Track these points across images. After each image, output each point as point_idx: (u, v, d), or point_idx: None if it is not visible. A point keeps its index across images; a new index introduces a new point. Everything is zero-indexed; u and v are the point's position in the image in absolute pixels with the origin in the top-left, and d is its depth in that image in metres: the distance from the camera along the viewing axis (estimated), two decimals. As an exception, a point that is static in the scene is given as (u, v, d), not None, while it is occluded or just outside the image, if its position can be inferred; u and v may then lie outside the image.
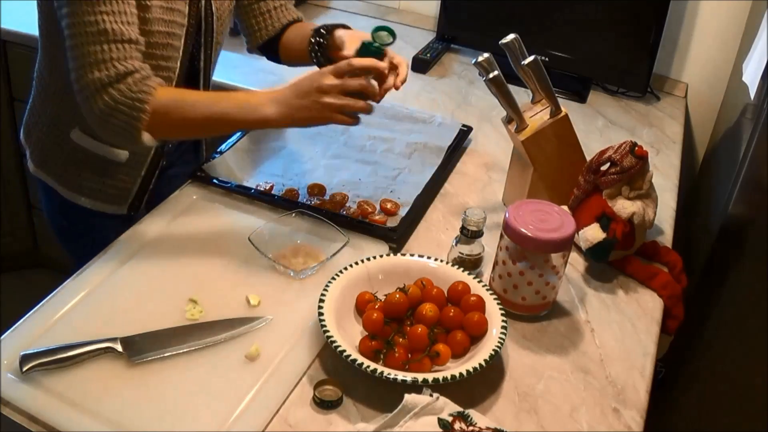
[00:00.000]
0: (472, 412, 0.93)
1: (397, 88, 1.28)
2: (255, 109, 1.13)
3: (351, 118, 1.13)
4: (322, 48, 1.35)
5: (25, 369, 0.94)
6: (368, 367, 0.96)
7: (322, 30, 1.36)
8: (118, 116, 1.09)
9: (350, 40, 1.30)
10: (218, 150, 1.43)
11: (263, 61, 1.62)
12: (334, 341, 0.99)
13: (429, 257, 1.17)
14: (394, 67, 1.28)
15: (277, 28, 1.43)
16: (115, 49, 1.08)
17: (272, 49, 1.46)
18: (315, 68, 1.28)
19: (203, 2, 1.27)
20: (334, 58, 1.30)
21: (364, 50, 1.17)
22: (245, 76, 1.83)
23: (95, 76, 1.07)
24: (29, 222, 2.37)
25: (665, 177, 1.62)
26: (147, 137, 1.12)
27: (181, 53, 1.25)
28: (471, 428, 0.90)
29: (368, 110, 1.14)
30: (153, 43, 1.19)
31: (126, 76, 1.08)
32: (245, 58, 1.65)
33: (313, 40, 1.36)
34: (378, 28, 1.21)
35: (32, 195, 2.28)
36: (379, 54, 1.17)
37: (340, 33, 1.33)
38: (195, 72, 1.34)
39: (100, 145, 1.28)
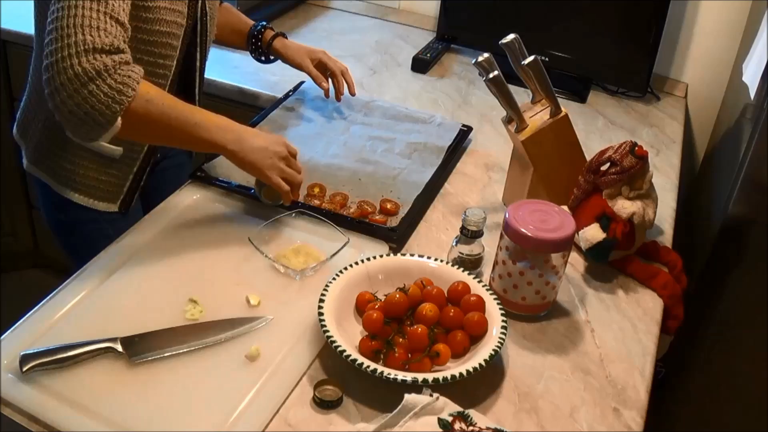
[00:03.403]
0: (472, 412, 0.93)
1: (353, 94, 1.65)
2: (218, 133, 1.15)
3: (283, 186, 1.22)
4: (260, 48, 1.60)
5: (25, 369, 0.94)
6: (368, 367, 0.96)
7: (255, 33, 1.60)
8: (100, 85, 1.00)
9: (298, 54, 1.60)
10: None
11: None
12: (334, 341, 0.99)
13: (429, 257, 1.17)
14: (334, 75, 1.61)
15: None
16: (110, 23, 1.03)
17: None
18: None
19: (200, 3, 1.27)
20: (288, 63, 1.61)
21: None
22: (245, 76, 1.83)
23: (86, 37, 1.00)
24: (29, 222, 2.37)
25: (665, 177, 1.62)
26: (118, 123, 1.04)
27: (178, 52, 1.26)
28: (471, 428, 0.90)
29: (288, 201, 1.26)
30: (153, 41, 1.20)
31: (117, 52, 1.03)
32: (245, 58, 1.66)
33: (252, 40, 1.60)
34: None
35: (32, 195, 2.28)
36: None
37: (278, 46, 1.59)
38: (188, 69, 1.35)
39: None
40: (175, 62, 1.26)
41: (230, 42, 1.61)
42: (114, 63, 1.02)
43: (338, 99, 1.63)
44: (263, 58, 1.63)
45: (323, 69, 1.61)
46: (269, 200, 1.28)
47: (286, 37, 1.62)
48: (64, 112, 1.02)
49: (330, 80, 1.62)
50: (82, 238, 1.38)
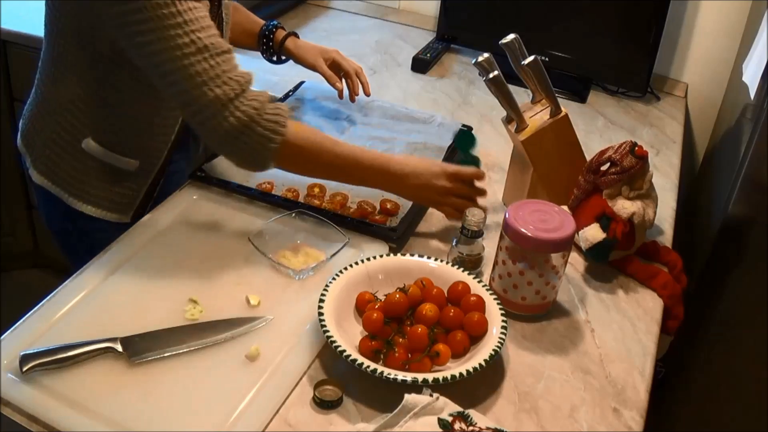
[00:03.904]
0: (472, 412, 0.93)
1: (368, 95, 1.60)
2: (376, 177, 1.22)
3: (457, 212, 1.26)
4: (271, 49, 1.58)
5: (25, 369, 0.94)
6: (368, 367, 0.96)
7: (266, 32, 1.57)
8: (250, 134, 1.07)
9: (310, 54, 1.56)
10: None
11: (263, 62, 1.62)
12: (334, 341, 0.99)
13: (429, 257, 1.17)
14: (348, 75, 1.57)
15: None
16: (222, 62, 1.05)
17: None
18: None
19: (218, 10, 1.27)
20: (301, 64, 1.58)
21: (467, 160, 1.43)
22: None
23: (217, 92, 1.04)
24: (29, 222, 2.36)
25: (665, 177, 1.62)
26: (273, 162, 1.13)
27: None
28: (471, 428, 0.90)
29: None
30: None
31: (246, 86, 1.08)
32: (245, 58, 1.65)
33: (264, 40, 1.58)
34: (462, 137, 1.52)
35: (32, 195, 2.28)
36: (478, 163, 1.44)
37: (290, 46, 1.57)
38: None
39: (112, 154, 1.26)
40: None
41: (240, 42, 1.57)
42: (257, 110, 1.07)
43: (352, 100, 1.60)
44: (275, 59, 1.60)
45: (336, 69, 1.57)
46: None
47: (298, 37, 1.59)
48: (231, 160, 1.14)
49: (344, 80, 1.59)
50: (87, 244, 1.37)
